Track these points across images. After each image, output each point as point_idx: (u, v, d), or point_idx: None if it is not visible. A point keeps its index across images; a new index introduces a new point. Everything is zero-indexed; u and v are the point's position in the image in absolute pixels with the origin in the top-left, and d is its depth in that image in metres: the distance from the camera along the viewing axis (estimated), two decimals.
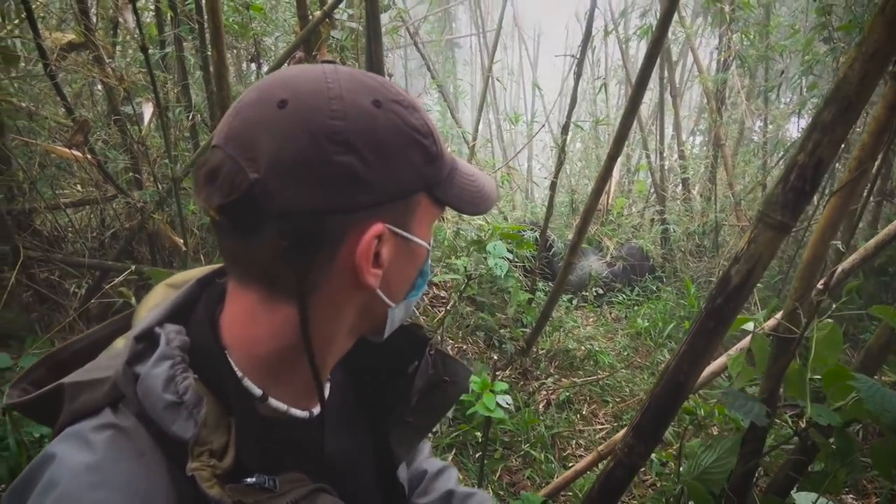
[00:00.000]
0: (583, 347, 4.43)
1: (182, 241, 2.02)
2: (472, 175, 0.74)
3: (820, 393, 1.78)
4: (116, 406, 0.66)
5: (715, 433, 2.88)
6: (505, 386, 2.25)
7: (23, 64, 3.02)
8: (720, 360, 2.22)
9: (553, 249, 5.68)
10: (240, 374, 0.69)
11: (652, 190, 7.59)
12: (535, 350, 4.13)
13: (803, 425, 1.64)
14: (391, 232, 0.66)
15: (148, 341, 0.68)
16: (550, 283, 4.76)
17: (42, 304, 3.30)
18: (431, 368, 0.86)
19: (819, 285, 1.53)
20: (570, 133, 4.02)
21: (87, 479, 0.58)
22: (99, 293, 2.69)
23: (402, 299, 0.74)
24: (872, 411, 1.53)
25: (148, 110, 2.10)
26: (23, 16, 2.78)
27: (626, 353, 4.65)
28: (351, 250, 0.64)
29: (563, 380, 3.98)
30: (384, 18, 5.15)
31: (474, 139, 6.10)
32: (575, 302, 5.60)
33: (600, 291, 5.98)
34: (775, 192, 1.31)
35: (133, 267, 2.35)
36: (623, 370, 4.19)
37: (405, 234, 0.68)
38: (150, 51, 3.97)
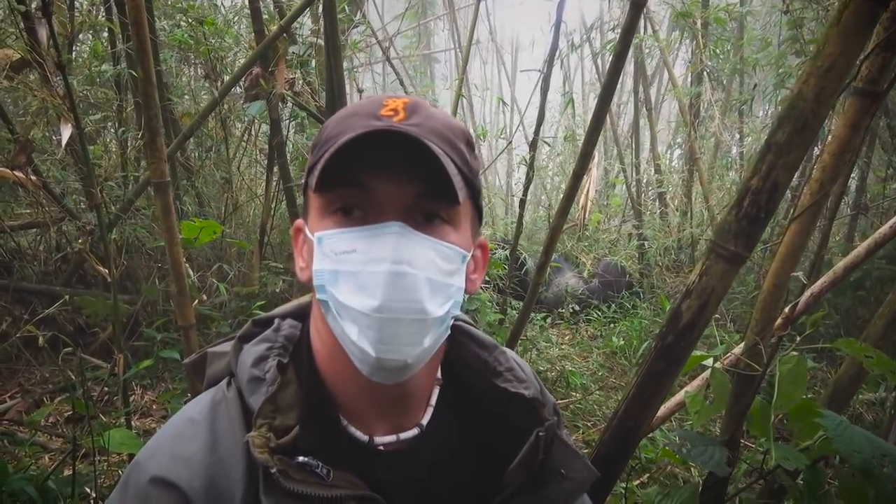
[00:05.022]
0: (555, 368, 4.30)
1: (107, 270, 1.87)
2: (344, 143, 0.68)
3: (786, 430, 1.66)
4: (230, 378, 0.78)
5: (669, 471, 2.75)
6: None
7: None
8: (678, 397, 2.10)
9: (525, 267, 5.55)
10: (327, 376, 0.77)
11: (628, 204, 7.51)
12: None
13: (768, 467, 1.53)
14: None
15: (265, 327, 0.81)
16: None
17: None
18: (542, 453, 0.78)
19: (781, 318, 1.41)
20: (537, 149, 3.91)
21: (185, 430, 0.73)
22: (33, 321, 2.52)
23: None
24: (841, 452, 1.43)
25: (67, 131, 1.96)
26: None
27: (600, 374, 4.53)
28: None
29: None
30: (355, 34, 5.04)
31: None
32: (550, 320, 5.47)
33: (577, 308, 5.87)
34: (727, 219, 1.20)
35: (67, 297, 2.19)
36: (596, 392, 4.06)
37: (305, 227, 0.76)
38: (104, 68, 3.85)
